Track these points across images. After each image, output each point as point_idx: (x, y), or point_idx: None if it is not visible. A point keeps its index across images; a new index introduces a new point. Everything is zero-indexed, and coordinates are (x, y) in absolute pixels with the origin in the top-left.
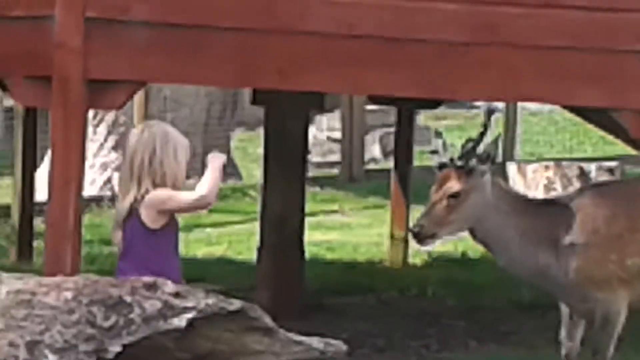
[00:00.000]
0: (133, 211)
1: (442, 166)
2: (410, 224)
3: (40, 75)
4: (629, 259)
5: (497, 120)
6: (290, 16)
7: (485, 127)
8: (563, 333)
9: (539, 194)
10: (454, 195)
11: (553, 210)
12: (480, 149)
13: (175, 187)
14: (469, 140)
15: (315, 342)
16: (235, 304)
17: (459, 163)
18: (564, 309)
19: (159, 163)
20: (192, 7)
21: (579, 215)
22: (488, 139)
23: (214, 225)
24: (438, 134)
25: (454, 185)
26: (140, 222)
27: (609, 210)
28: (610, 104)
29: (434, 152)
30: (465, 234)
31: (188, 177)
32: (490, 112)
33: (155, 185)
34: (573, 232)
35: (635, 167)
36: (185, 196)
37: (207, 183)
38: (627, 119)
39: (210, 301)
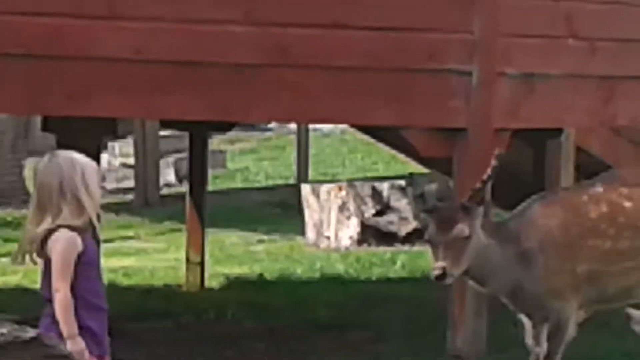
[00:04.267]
0: (41, 243)
1: (432, 210)
2: (208, 250)
3: None
4: (578, 267)
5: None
6: (78, 42)
7: (491, 173)
8: (529, 341)
9: (333, 214)
10: (466, 238)
11: (516, 227)
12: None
13: (85, 213)
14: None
15: None
16: (30, 332)
17: (468, 204)
18: (525, 319)
19: (69, 190)
20: None
21: (534, 227)
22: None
23: (8, 255)
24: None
25: (465, 229)
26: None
27: (560, 220)
28: (400, 122)
29: (421, 195)
30: (260, 256)
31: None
32: (498, 155)
33: (58, 215)
34: (533, 244)
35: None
36: (62, 287)
37: (66, 320)
38: (416, 137)
39: (4, 330)
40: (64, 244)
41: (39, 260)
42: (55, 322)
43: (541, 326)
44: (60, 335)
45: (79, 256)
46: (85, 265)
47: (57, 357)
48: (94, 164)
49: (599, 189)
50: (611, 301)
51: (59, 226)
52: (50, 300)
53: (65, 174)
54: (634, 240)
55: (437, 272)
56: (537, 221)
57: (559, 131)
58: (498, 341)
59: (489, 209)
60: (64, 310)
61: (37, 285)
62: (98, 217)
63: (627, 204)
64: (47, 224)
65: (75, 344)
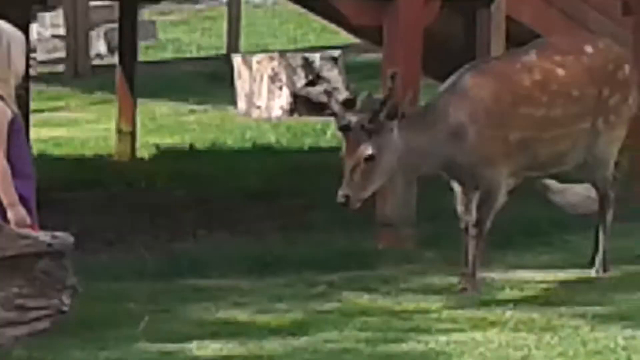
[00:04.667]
0: None
1: (345, 127)
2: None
3: None
4: (511, 134)
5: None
6: None
7: (391, 90)
8: (460, 208)
9: (264, 85)
10: (369, 159)
11: (445, 102)
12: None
13: (8, 84)
14: (369, 95)
15: (42, 235)
16: None
17: (370, 125)
18: (456, 187)
19: None
20: None
21: (466, 99)
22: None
23: None
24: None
25: (367, 149)
26: None
27: (492, 89)
28: None
29: (332, 114)
30: (192, 126)
31: None
32: (393, 76)
33: None
34: (463, 118)
35: (357, 56)
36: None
37: (6, 189)
38: (346, 6)
39: None
40: None
41: None
42: None
43: (472, 194)
44: None
45: (10, 124)
46: (15, 133)
47: None
48: (21, 35)
49: (533, 56)
50: (543, 168)
51: None
52: None
53: None
54: (567, 107)
55: (340, 200)
56: (469, 92)
57: (489, 0)
58: (427, 210)
59: (403, 110)
60: (2, 179)
61: None
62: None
63: (561, 72)
64: None
65: (16, 212)
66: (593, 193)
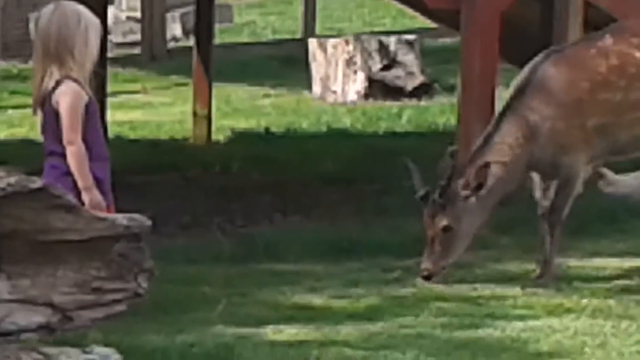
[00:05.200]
0: (47, 94)
1: (424, 198)
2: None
3: None
4: (589, 121)
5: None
6: None
7: (454, 167)
8: (538, 194)
9: (340, 69)
10: (446, 229)
11: (521, 98)
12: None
13: (84, 68)
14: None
15: (119, 218)
16: (37, 182)
17: (440, 201)
18: (534, 174)
19: (70, 43)
20: None
21: (539, 95)
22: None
23: (16, 107)
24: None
25: (441, 221)
26: (52, 108)
27: (566, 77)
28: None
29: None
30: (267, 110)
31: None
32: (453, 153)
33: (63, 67)
34: (538, 115)
35: (433, 40)
36: (75, 139)
37: (82, 172)
38: None
39: (12, 180)
40: (72, 96)
41: (39, 113)
42: (64, 174)
43: (550, 181)
44: (68, 187)
45: (86, 107)
46: (91, 115)
47: (64, 206)
48: (97, 21)
49: (608, 40)
50: (624, 152)
51: (64, 78)
52: (52, 153)
53: (70, 25)
54: None
55: (422, 274)
56: (541, 87)
57: None
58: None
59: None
60: (78, 162)
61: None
62: (94, 74)
63: (637, 54)
64: (51, 75)
65: (92, 195)
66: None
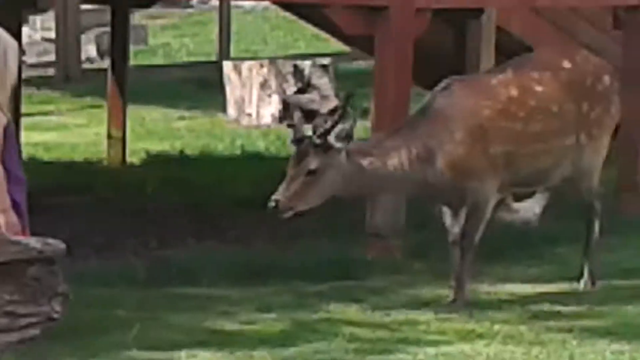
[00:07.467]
0: None
1: (299, 141)
2: (129, 125)
3: None
4: (491, 148)
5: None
6: None
7: (344, 108)
8: (448, 221)
9: (254, 91)
10: (311, 172)
11: (421, 121)
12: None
13: (4, 90)
14: (330, 111)
15: (33, 241)
16: None
17: (317, 141)
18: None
19: None
20: None
21: (440, 114)
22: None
23: None
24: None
25: (311, 162)
26: None
27: (467, 103)
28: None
29: (291, 125)
30: (181, 132)
31: None
32: (348, 96)
33: None
34: (439, 134)
35: (348, 64)
36: None
37: (1, 199)
38: (338, 14)
39: None
40: None
41: None
42: None
43: (460, 208)
44: None
45: (4, 129)
46: (9, 138)
47: None
48: (15, 43)
49: (509, 73)
50: (527, 184)
51: None
52: None
53: None
54: (546, 123)
55: (270, 204)
56: (445, 109)
57: (480, 11)
58: (417, 220)
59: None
60: None
61: None
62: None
63: (538, 88)
64: None
65: (8, 218)
66: (538, 206)
